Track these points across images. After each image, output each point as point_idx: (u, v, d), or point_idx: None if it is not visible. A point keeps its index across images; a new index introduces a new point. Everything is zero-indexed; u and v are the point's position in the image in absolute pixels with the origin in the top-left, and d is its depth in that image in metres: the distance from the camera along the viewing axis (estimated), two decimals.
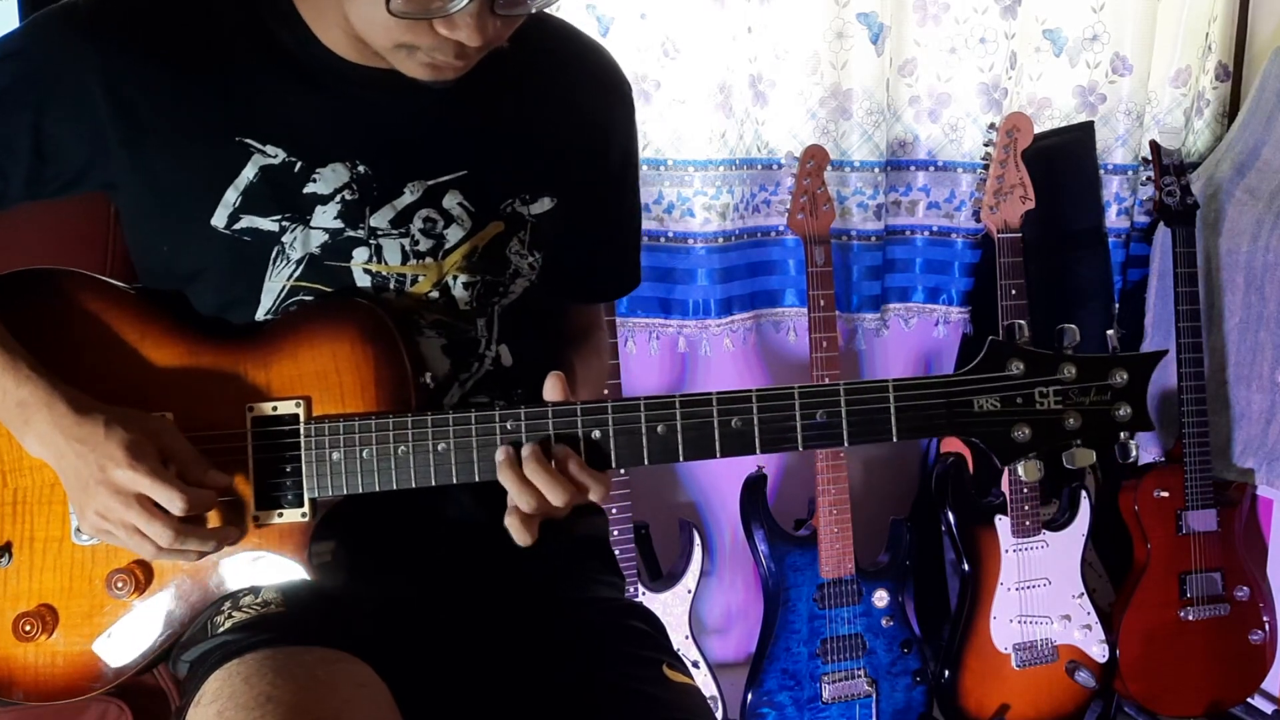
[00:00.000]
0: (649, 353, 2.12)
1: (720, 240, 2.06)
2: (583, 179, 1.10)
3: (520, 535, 0.94)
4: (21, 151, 0.98)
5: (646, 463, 0.93)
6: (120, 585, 0.97)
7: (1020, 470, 0.91)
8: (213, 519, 0.95)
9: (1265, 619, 2.16)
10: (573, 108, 1.09)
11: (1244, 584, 2.14)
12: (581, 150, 1.10)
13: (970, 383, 0.91)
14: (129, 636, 0.99)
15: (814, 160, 1.96)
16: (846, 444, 0.92)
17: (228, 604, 0.97)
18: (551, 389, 0.94)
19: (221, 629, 0.95)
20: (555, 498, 0.92)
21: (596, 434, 0.93)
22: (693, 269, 2.05)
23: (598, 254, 1.19)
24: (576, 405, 0.93)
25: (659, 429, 0.93)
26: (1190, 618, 2.11)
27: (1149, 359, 0.92)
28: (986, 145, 2.08)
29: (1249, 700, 2.23)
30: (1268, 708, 2.24)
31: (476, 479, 0.94)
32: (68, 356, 0.96)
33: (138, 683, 1.44)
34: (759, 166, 2.11)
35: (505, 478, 0.92)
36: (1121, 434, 0.92)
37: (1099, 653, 2.10)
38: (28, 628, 0.98)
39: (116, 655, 0.99)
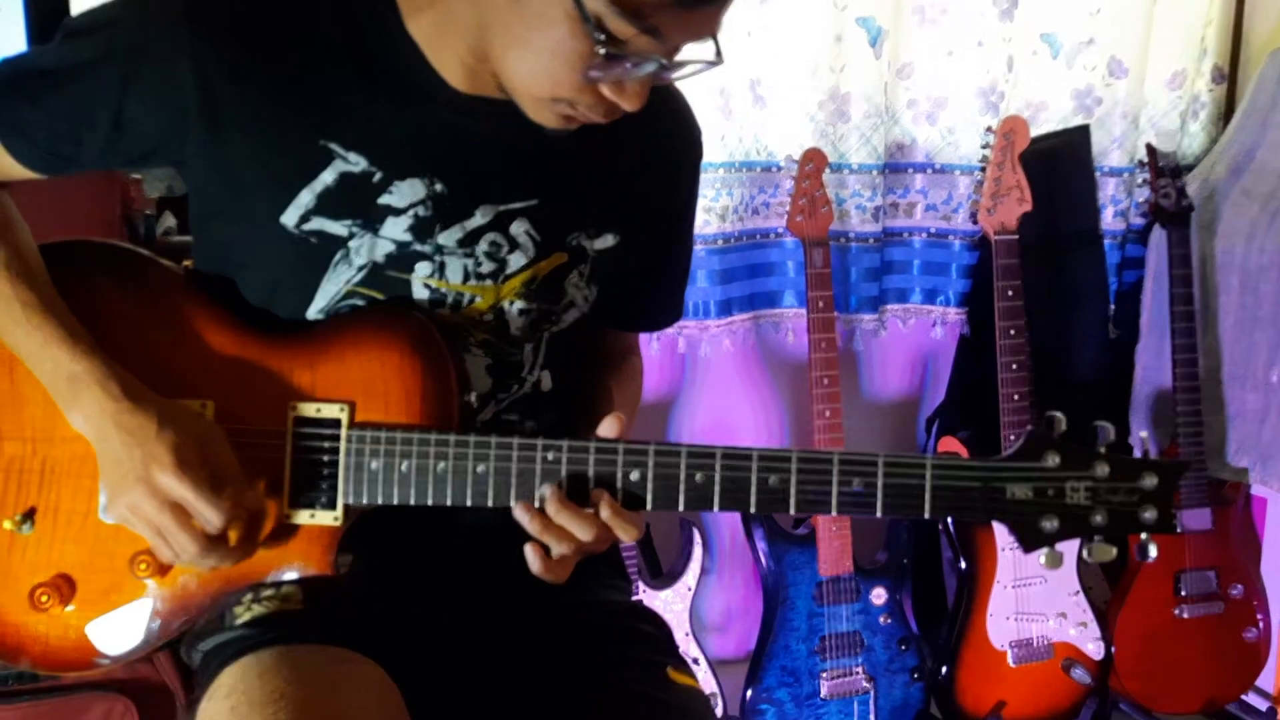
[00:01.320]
0: (649, 353, 2.13)
1: (720, 242, 2.07)
2: (647, 220, 1.11)
3: (551, 577, 0.96)
4: (100, 124, 0.97)
5: (681, 509, 0.94)
6: (144, 567, 0.96)
7: (1042, 559, 0.94)
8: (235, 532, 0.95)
9: (1259, 616, 2.17)
10: (647, 151, 1.10)
11: (1238, 582, 2.15)
12: (650, 193, 1.11)
13: (1007, 470, 0.93)
14: (145, 618, 0.98)
15: (813, 163, 1.98)
16: (879, 515, 0.94)
17: (248, 596, 0.98)
18: (608, 428, 0.95)
19: (239, 621, 0.96)
20: (582, 534, 0.93)
21: (635, 475, 0.94)
22: (692, 270, 2.05)
23: (648, 289, 1.20)
24: (619, 445, 0.94)
25: (697, 477, 0.93)
26: (1185, 615, 2.12)
27: (1178, 467, 0.95)
28: (984, 148, 2.09)
29: (1243, 697, 2.24)
30: (1262, 705, 2.25)
31: (512, 505, 0.94)
32: (112, 332, 0.96)
33: (142, 678, 1.46)
34: (758, 169, 2.12)
35: (532, 527, 0.93)
36: (1143, 535, 0.94)
37: (1094, 650, 2.11)
38: (44, 597, 0.97)
39: (129, 635, 0.99)
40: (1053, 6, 2.19)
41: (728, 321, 2.13)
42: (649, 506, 0.95)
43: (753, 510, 0.94)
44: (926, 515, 0.94)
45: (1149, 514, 0.94)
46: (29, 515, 0.99)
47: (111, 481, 0.91)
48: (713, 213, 2.06)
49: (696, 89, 1.99)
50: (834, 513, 0.94)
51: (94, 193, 1.54)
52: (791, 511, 0.94)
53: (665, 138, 1.12)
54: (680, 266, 1.24)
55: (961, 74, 2.17)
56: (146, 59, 0.94)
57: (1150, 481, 0.93)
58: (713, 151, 2.04)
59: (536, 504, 0.94)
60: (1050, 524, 0.93)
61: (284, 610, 0.96)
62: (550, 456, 0.94)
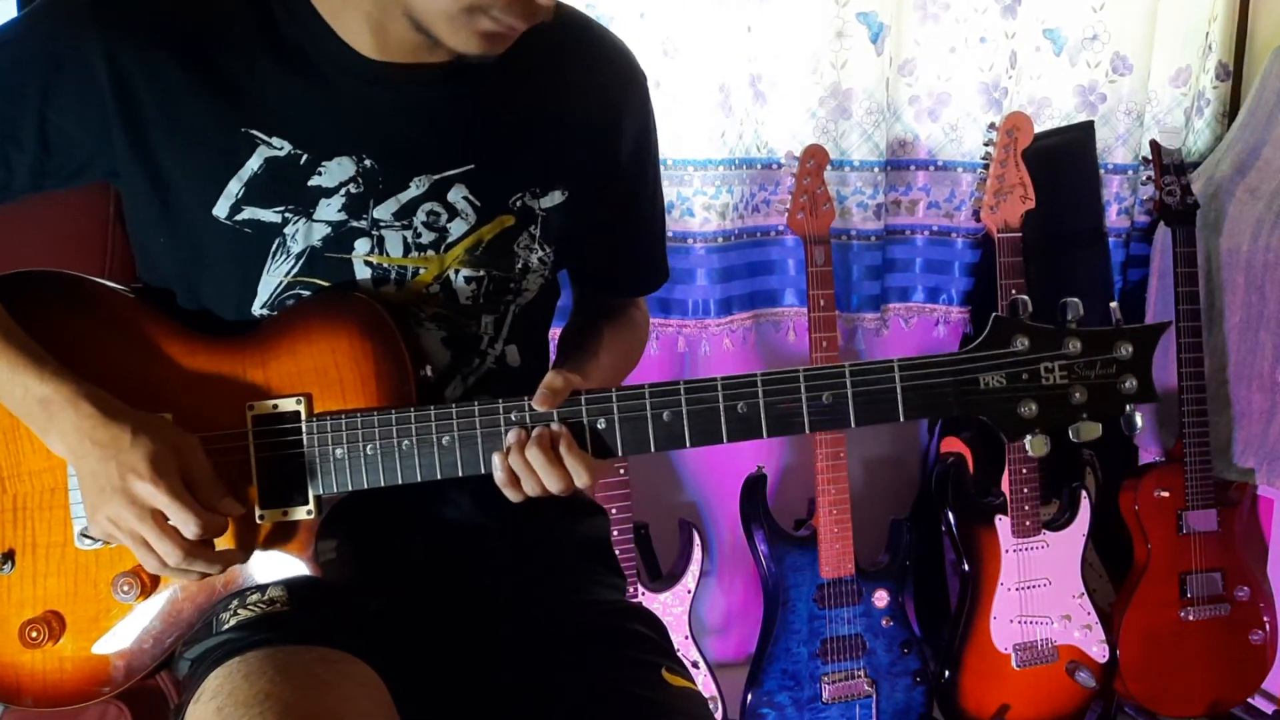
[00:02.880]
0: (649, 352, 2.09)
1: (720, 240, 2.06)
2: (595, 171, 1.09)
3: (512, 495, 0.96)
4: (27, 141, 0.97)
5: (653, 449, 0.93)
6: (126, 588, 0.96)
7: (1028, 445, 0.91)
8: (223, 539, 0.95)
9: (1265, 619, 2.15)
10: (584, 98, 1.08)
11: (1244, 584, 2.14)
12: (593, 141, 1.09)
13: (976, 360, 0.91)
14: (138, 638, 0.98)
15: (814, 160, 1.96)
16: (853, 425, 0.92)
17: (234, 601, 0.97)
18: (549, 379, 0.94)
19: (226, 626, 0.95)
20: (552, 484, 0.93)
21: (602, 423, 0.93)
22: (692, 269, 2.05)
23: (618, 247, 1.18)
24: (581, 395, 0.93)
25: (665, 415, 0.93)
26: (1190, 618, 2.11)
27: (1152, 330, 0.92)
28: (986, 145, 2.08)
29: (1249, 700, 2.23)
30: (1268, 708, 2.24)
31: (482, 471, 0.94)
32: (67, 356, 0.95)
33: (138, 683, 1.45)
34: (759, 166, 2.10)
35: (514, 460, 0.93)
36: (1127, 406, 0.92)
37: (1099, 653, 2.09)
38: (34, 634, 0.97)
39: (126, 658, 0.99)
40: (1056, 2, 2.18)
41: (728, 320, 2.11)
42: (620, 452, 0.94)
43: (725, 441, 0.92)
44: (901, 418, 0.92)
45: (1129, 384, 0.91)
46: (8, 555, 0.99)
47: (91, 496, 0.91)
48: (713, 210, 2.04)
49: (696, 85, 2.00)
50: (808, 430, 0.92)
51: (84, 188, 1.54)
52: (764, 436, 0.92)
53: (601, 87, 1.10)
54: (650, 219, 1.22)
55: (964, 70, 2.15)
56: (62, 67, 0.95)
57: (1126, 350, 0.91)
58: (712, 148, 2.02)
59: (505, 448, 0.94)
60: (1029, 409, 0.91)
61: (271, 613, 0.95)
62: (514, 416, 0.94)
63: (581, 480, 0.93)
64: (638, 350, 1.23)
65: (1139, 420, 0.91)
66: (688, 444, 0.93)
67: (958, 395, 0.91)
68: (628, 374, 1.20)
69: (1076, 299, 0.91)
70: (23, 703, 0.99)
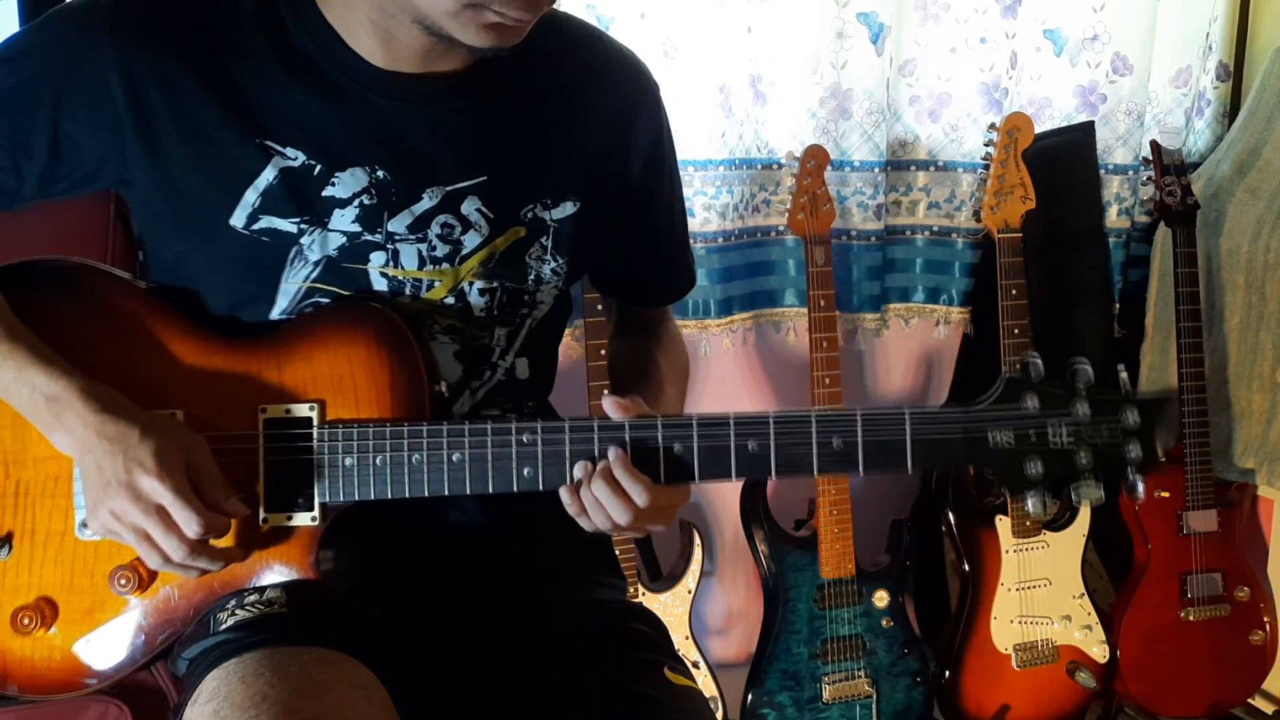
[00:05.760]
0: None
1: (720, 240, 2.06)
2: (607, 182, 1.09)
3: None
4: (38, 150, 0.97)
5: (662, 481, 0.93)
6: (124, 582, 0.96)
7: (1029, 504, 0.92)
8: (225, 539, 0.95)
9: (1266, 619, 2.15)
10: (594, 109, 1.08)
11: (1245, 584, 2.13)
12: (605, 153, 1.09)
13: (986, 416, 0.92)
14: (130, 633, 0.98)
15: (814, 160, 1.96)
16: (861, 473, 0.93)
17: (232, 602, 0.97)
18: (610, 407, 0.94)
19: (223, 627, 0.95)
20: (617, 513, 0.92)
21: (613, 453, 0.93)
22: None
23: (637, 256, 1.18)
24: (594, 422, 0.93)
25: (676, 448, 0.93)
26: (1191, 618, 2.11)
27: (1160, 403, 0.93)
28: (987, 145, 2.08)
29: (1249, 701, 2.23)
30: (1268, 708, 2.24)
31: (490, 490, 0.94)
32: (73, 350, 0.95)
33: (137, 682, 1.44)
34: (759, 166, 2.10)
35: (584, 494, 0.93)
36: (1130, 473, 0.93)
37: (1099, 653, 2.09)
38: (26, 621, 0.97)
39: (116, 651, 0.98)
40: (1056, 3, 2.18)
41: (728, 321, 2.11)
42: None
43: (733, 479, 0.93)
44: (910, 470, 0.92)
45: (1134, 451, 0.93)
46: (6, 539, 0.98)
47: (94, 490, 0.90)
48: (713, 210, 2.04)
49: (696, 85, 1.99)
50: (816, 473, 0.93)
51: None
52: (773, 476, 0.93)
53: (611, 98, 1.10)
54: (668, 228, 1.21)
55: (964, 71, 2.15)
56: (76, 76, 0.95)
57: (1133, 418, 0.92)
58: (713, 149, 2.02)
59: (572, 481, 0.94)
60: (1034, 468, 0.92)
61: (268, 614, 0.95)
62: (525, 439, 0.94)
63: (641, 499, 0.92)
64: (686, 364, 1.24)
65: (1141, 488, 0.93)
66: (696, 478, 0.94)
67: (966, 449, 0.92)
68: (685, 397, 1.20)
69: (1087, 363, 0.93)
70: (7, 689, 0.99)
